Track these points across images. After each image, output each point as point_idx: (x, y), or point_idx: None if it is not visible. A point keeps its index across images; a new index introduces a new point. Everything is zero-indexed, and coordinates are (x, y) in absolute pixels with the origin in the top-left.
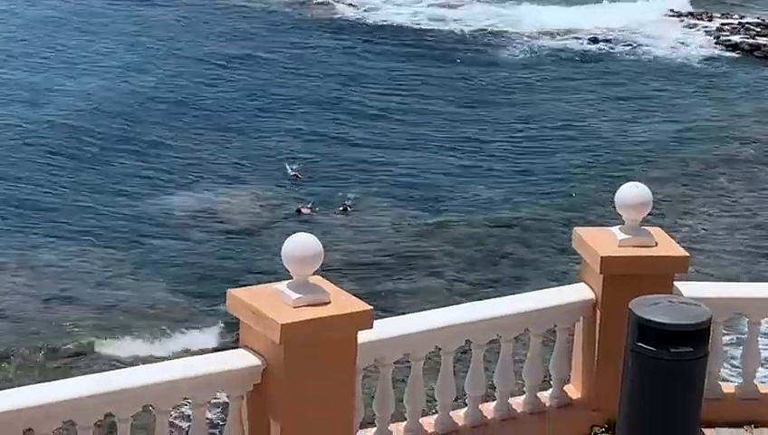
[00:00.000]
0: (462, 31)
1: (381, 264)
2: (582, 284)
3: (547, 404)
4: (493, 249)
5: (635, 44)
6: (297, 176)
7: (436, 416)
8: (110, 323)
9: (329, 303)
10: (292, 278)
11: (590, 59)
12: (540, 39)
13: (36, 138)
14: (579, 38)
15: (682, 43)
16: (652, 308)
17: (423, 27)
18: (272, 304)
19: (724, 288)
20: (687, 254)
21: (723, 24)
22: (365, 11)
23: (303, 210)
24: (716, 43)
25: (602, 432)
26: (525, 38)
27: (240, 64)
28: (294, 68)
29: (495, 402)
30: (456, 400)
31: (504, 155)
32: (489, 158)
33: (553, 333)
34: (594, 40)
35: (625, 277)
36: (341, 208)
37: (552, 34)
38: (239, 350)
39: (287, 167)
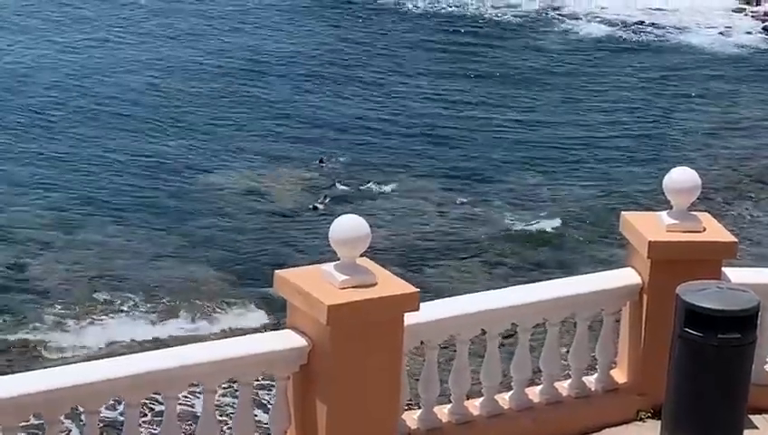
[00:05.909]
0: (505, 16)
1: (423, 247)
2: (630, 268)
3: (593, 388)
4: (536, 233)
5: (681, 29)
6: (323, 163)
7: (481, 399)
8: (155, 303)
9: (375, 284)
10: (339, 260)
11: (636, 44)
12: (586, 23)
13: (81, 114)
14: (626, 23)
15: (728, 28)
16: (700, 294)
17: (463, 12)
18: (319, 285)
19: None
20: (736, 239)
21: None
22: None
23: (318, 205)
24: (764, 29)
25: (648, 417)
26: (572, 22)
27: (280, 49)
28: (335, 50)
29: (541, 386)
30: (500, 383)
31: (547, 140)
32: (533, 143)
33: (600, 318)
34: (641, 23)
35: (672, 262)
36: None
37: (597, 19)
38: (286, 330)
39: (323, 154)
